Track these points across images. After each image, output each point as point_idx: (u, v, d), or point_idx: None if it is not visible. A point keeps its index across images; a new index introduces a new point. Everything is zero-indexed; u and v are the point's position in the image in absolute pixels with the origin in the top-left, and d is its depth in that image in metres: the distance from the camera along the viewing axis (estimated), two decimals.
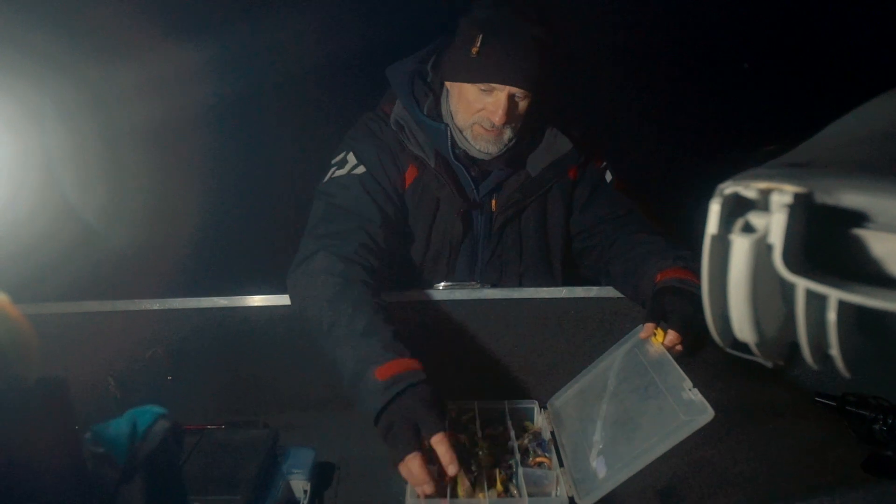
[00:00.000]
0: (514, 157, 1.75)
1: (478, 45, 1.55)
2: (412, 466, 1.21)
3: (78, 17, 2.28)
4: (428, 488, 1.21)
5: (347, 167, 1.70)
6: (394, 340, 1.37)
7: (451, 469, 1.22)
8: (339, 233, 1.58)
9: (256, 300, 1.69)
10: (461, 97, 1.65)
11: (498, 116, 1.59)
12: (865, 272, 0.50)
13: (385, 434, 1.26)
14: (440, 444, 1.22)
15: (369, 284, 1.50)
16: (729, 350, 0.61)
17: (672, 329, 1.41)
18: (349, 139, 1.78)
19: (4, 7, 2.09)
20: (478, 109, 1.63)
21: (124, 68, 2.36)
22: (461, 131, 1.69)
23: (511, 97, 1.59)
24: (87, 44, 2.30)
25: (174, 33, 2.46)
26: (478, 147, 1.68)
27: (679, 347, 1.41)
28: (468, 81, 1.60)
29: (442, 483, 1.26)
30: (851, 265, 0.51)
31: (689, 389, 1.25)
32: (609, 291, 1.74)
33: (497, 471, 1.36)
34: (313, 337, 1.46)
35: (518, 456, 1.41)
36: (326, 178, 1.71)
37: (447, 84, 1.70)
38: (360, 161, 1.69)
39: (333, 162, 1.74)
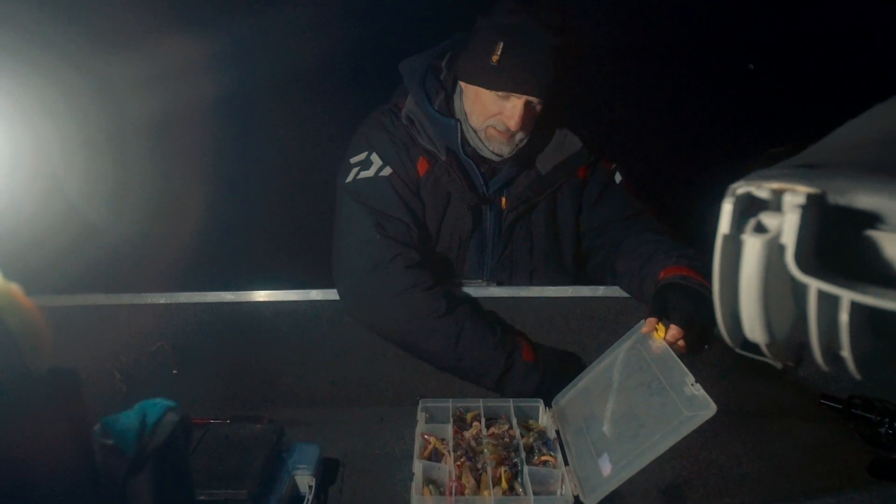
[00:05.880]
0: (523, 155, 1.75)
1: (498, 53, 1.57)
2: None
3: (79, 12, 2.28)
4: None
5: (374, 168, 1.70)
6: (504, 329, 1.67)
7: None
8: (396, 239, 1.64)
9: (262, 295, 1.70)
10: (477, 100, 1.66)
11: (514, 122, 1.62)
12: (878, 273, 0.50)
13: (550, 387, 1.61)
14: None
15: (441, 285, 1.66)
16: (739, 350, 0.61)
17: (674, 324, 1.41)
18: (365, 136, 1.77)
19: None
20: (494, 113, 1.65)
21: (131, 64, 2.37)
22: (475, 132, 1.71)
23: (527, 104, 1.61)
24: (93, 39, 2.30)
25: (180, 29, 2.46)
26: (491, 148, 1.71)
27: (681, 343, 1.41)
28: (487, 88, 1.62)
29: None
30: (864, 266, 0.51)
31: (692, 385, 1.25)
32: (615, 290, 1.74)
33: (502, 469, 1.36)
34: (426, 349, 1.65)
35: (523, 454, 1.41)
36: (351, 178, 1.71)
37: (462, 84, 1.71)
38: (385, 161, 1.71)
39: (354, 161, 1.73)
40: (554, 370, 1.64)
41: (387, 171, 1.70)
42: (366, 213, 1.66)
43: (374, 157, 1.71)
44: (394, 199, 1.68)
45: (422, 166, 1.74)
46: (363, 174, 1.70)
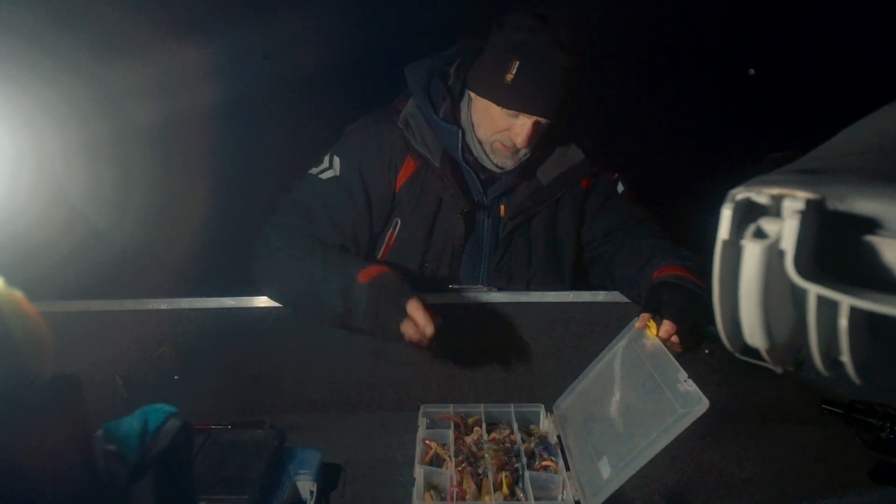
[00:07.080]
0: (525, 166, 1.76)
1: (513, 72, 1.57)
2: (414, 312, 1.41)
3: (80, 19, 2.28)
4: (429, 330, 1.41)
5: (320, 168, 1.76)
6: (365, 259, 1.61)
7: (428, 329, 1.40)
8: (289, 225, 1.70)
9: (263, 301, 1.70)
10: (486, 113, 1.66)
11: (521, 139, 1.63)
12: (878, 279, 0.50)
13: (376, 314, 1.45)
14: (415, 310, 1.41)
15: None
16: (739, 356, 0.61)
17: (666, 320, 1.42)
18: (341, 138, 1.82)
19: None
20: (502, 129, 1.65)
21: (134, 70, 2.37)
22: (480, 143, 1.71)
23: (536, 123, 1.62)
24: (95, 46, 2.31)
25: (184, 35, 2.47)
26: (494, 161, 1.72)
27: (675, 339, 1.42)
28: (499, 105, 1.62)
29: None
30: (863, 272, 0.51)
31: (685, 381, 1.25)
32: (616, 296, 1.74)
33: (503, 474, 1.36)
34: (293, 304, 1.66)
35: (524, 459, 1.41)
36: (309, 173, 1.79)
37: (472, 94, 1.71)
38: (332, 165, 1.75)
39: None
40: (382, 290, 1.48)
41: (328, 174, 1.74)
42: (288, 203, 1.74)
43: (326, 159, 1.77)
44: (314, 201, 1.72)
45: (406, 171, 1.75)
46: (312, 170, 1.77)
